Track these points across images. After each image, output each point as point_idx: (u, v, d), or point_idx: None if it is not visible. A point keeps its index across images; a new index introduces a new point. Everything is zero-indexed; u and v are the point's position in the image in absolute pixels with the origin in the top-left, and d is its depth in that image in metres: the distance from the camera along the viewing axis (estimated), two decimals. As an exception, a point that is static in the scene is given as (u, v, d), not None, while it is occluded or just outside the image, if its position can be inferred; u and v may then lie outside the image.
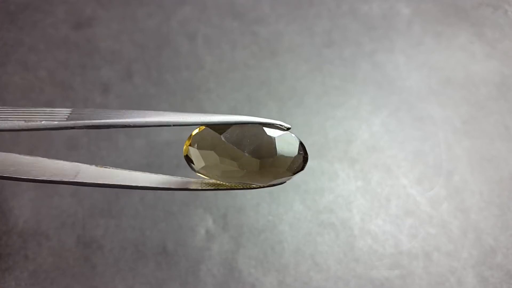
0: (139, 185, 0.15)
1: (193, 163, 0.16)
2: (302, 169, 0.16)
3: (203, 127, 0.16)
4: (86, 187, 0.28)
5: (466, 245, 0.28)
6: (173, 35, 0.35)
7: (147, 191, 0.28)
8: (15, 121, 0.13)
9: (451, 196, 0.29)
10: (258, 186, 0.16)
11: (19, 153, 0.15)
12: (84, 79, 0.32)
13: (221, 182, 0.16)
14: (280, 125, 0.16)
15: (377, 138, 0.31)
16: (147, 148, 0.30)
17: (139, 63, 0.33)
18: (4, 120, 0.13)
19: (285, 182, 0.16)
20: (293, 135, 0.16)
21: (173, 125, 0.14)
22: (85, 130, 0.30)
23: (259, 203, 0.28)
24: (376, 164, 0.30)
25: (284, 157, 0.15)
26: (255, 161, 0.15)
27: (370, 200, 0.29)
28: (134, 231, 0.27)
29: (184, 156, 0.16)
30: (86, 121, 0.13)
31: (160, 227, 0.27)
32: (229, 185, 0.16)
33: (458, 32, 0.36)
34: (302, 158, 0.16)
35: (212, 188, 0.16)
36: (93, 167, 0.15)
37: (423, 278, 0.27)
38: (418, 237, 0.28)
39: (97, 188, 0.28)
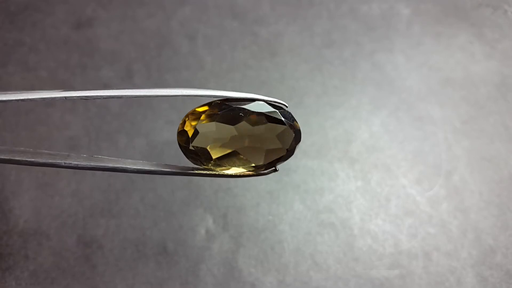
0: (134, 167, 0.16)
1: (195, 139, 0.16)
2: (295, 139, 0.16)
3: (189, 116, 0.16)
4: (85, 187, 0.28)
5: (466, 245, 0.28)
6: (173, 35, 0.35)
7: (147, 191, 0.28)
8: None
9: (450, 196, 0.29)
10: (257, 170, 0.16)
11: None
12: (84, 79, 0.32)
13: (220, 171, 0.17)
14: (279, 102, 0.17)
15: (377, 138, 0.31)
16: (147, 148, 0.30)
17: (139, 63, 0.33)
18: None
19: (286, 157, 0.16)
20: (283, 112, 0.16)
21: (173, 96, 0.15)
22: (85, 130, 0.30)
23: (259, 203, 0.28)
24: (376, 164, 0.30)
25: (273, 126, 0.16)
26: (249, 125, 0.16)
27: (370, 200, 0.29)
28: (134, 231, 0.27)
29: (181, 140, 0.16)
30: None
31: (160, 227, 0.27)
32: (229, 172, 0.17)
33: (458, 32, 0.36)
34: (293, 130, 0.16)
35: (209, 173, 0.17)
36: (83, 155, 0.16)
37: (423, 278, 0.27)
38: (418, 237, 0.28)
39: (97, 187, 0.28)
